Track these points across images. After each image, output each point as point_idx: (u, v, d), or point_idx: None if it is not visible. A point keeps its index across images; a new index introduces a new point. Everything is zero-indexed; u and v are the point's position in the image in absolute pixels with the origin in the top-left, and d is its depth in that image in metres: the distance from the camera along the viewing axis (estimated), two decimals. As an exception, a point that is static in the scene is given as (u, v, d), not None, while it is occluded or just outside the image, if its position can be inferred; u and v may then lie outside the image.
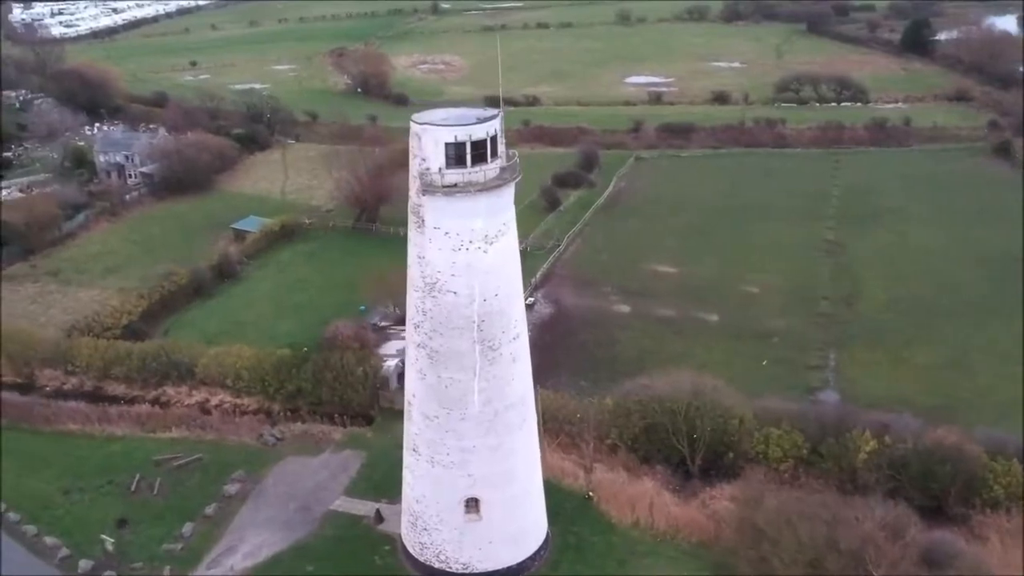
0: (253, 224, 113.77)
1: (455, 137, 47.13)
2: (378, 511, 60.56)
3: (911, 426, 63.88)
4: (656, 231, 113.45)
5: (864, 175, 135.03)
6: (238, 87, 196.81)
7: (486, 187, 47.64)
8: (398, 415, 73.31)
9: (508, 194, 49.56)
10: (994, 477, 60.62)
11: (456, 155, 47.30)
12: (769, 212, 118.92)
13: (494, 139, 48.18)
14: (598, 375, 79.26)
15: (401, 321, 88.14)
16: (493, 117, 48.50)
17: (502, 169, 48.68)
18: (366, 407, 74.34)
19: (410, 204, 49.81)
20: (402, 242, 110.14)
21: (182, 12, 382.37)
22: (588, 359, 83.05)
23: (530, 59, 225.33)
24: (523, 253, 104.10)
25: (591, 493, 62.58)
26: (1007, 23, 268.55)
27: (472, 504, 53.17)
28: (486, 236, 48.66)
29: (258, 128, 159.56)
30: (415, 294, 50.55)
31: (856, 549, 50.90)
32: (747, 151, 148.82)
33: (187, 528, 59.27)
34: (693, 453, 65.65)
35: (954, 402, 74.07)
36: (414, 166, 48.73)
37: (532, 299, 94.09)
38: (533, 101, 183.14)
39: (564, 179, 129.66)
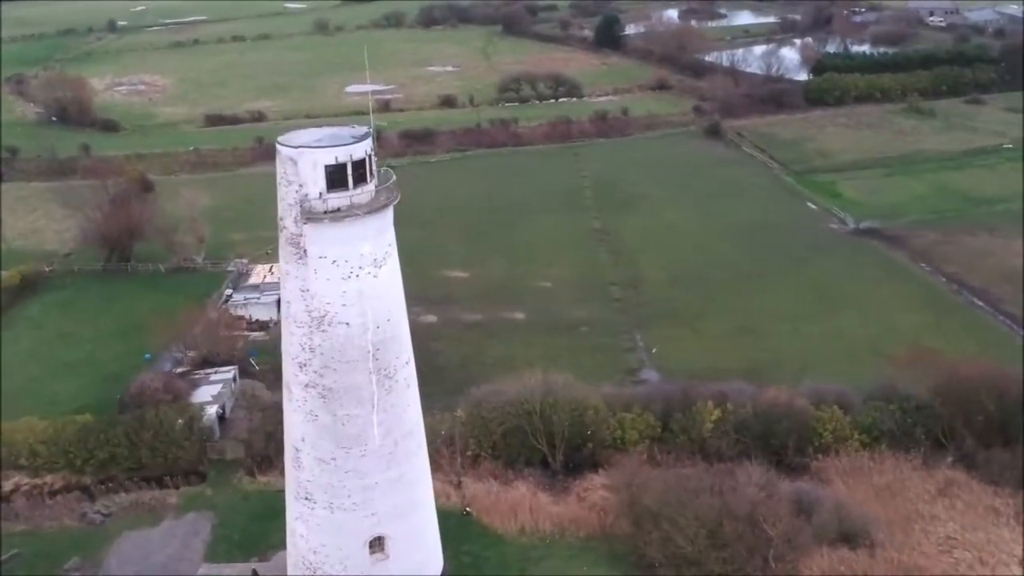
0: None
1: (336, 158, 44.25)
2: (254, 571, 55.60)
3: (746, 391, 68.94)
4: (433, 237, 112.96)
5: (604, 165, 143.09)
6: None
7: (373, 208, 45.18)
8: (231, 466, 68.44)
9: (391, 213, 47.48)
10: (822, 424, 66.90)
11: (337, 178, 44.39)
12: (533, 208, 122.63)
13: (371, 157, 45.81)
14: (429, 389, 76.81)
15: (202, 364, 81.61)
16: (367, 135, 46.00)
17: (384, 188, 46.41)
18: (195, 463, 67.68)
19: (285, 236, 45.94)
20: (163, 279, 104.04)
21: None
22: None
23: (241, 73, 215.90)
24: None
25: (468, 508, 61.52)
26: (672, 15, 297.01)
27: (377, 543, 50.26)
28: (375, 260, 46.24)
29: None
30: (298, 331, 46.70)
31: (748, 513, 54.27)
32: (490, 152, 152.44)
33: (35, 636, 51.04)
34: (553, 450, 66.42)
35: (756, 364, 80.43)
36: (288, 194, 45.03)
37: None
38: (259, 117, 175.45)
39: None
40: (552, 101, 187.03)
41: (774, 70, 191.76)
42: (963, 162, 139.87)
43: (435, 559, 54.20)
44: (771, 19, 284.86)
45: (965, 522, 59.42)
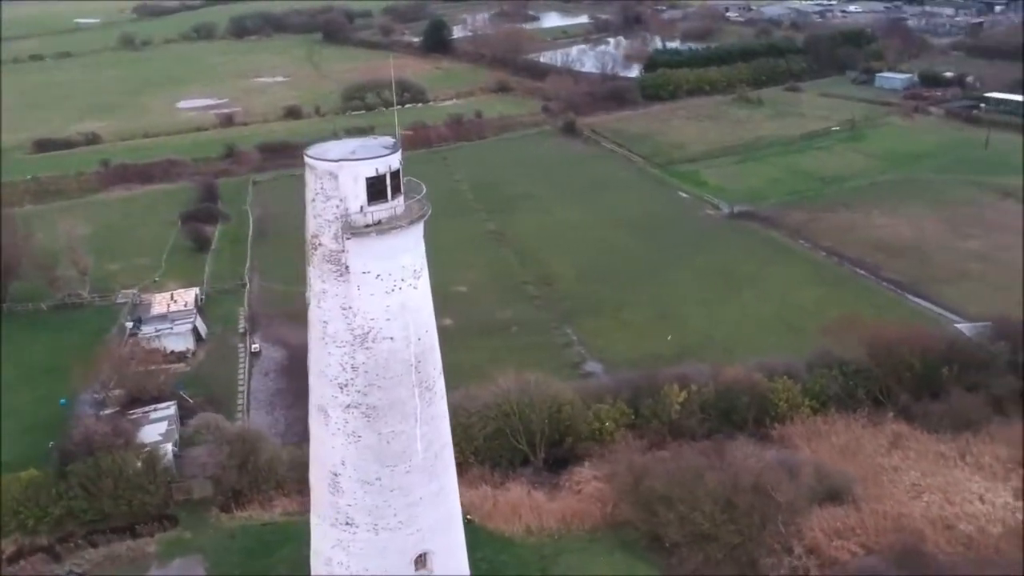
0: None
1: (376, 170, 43.11)
2: (274, 609, 53.09)
3: (705, 371, 72.13)
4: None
5: (475, 168, 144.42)
6: None
7: (414, 218, 44.46)
8: (200, 505, 64.70)
9: (422, 223, 46.76)
10: (776, 395, 71.12)
11: (377, 189, 43.33)
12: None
13: (401, 167, 45.00)
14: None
15: (130, 404, 76.12)
16: (398, 144, 45.14)
17: (416, 198, 45.66)
18: (162, 507, 63.36)
19: (321, 254, 44.22)
20: (48, 317, 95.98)
21: None
22: (359, 390, 79.19)
23: (56, 94, 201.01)
24: (209, 299, 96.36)
25: (469, 516, 61.12)
26: (485, 18, 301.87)
27: (421, 559, 49.34)
28: (414, 271, 45.56)
29: None
30: (338, 351, 45.09)
31: (754, 483, 57.11)
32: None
33: None
34: (534, 448, 67.10)
35: (686, 347, 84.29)
36: (326, 210, 43.38)
37: (256, 346, 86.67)
38: (93, 139, 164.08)
39: (196, 216, 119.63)
40: (399, 107, 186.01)
41: (609, 68, 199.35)
42: (802, 145, 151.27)
43: (466, 568, 53.74)
44: (582, 19, 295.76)
45: (923, 468, 65.03)
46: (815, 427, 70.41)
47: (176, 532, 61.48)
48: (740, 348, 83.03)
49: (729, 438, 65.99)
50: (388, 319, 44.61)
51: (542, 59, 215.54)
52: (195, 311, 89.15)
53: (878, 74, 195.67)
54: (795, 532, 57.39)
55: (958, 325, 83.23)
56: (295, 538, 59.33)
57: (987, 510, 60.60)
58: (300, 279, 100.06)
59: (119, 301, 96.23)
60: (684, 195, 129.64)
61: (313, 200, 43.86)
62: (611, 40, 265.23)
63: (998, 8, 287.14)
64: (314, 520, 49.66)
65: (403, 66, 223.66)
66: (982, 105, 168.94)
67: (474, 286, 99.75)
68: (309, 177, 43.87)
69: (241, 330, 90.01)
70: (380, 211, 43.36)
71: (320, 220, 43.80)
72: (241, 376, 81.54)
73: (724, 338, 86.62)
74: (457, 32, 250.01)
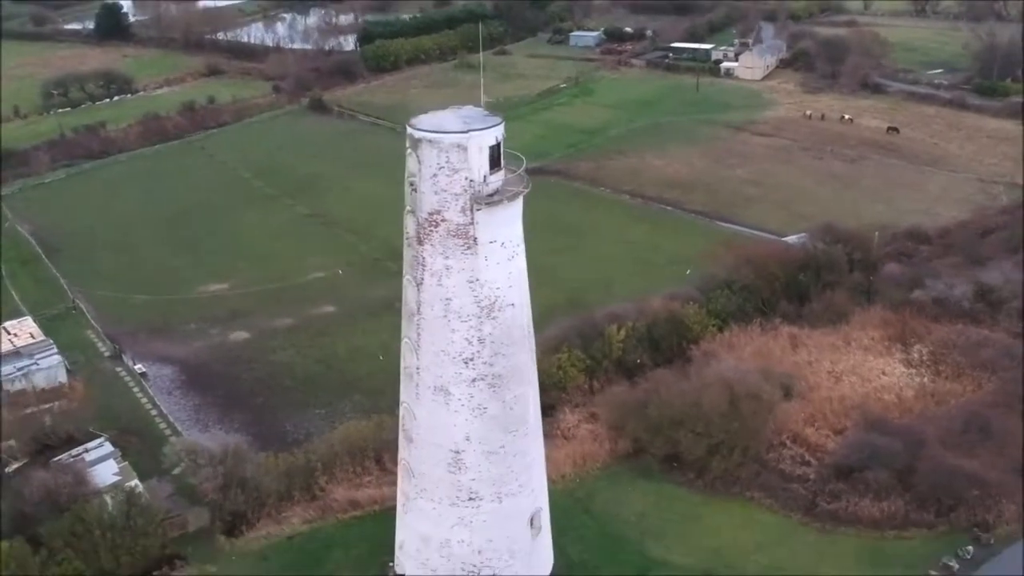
0: None
1: (496, 138, 43.78)
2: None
3: (629, 308, 77.92)
4: (151, 259, 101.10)
5: (240, 153, 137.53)
6: None
7: (527, 183, 45.55)
8: (198, 537, 59.32)
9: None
10: (690, 319, 78.77)
11: (494, 158, 43.88)
12: (221, 209, 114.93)
13: (497, 134, 45.70)
14: (317, 400, 73.80)
15: (40, 452, 66.38)
16: (495, 113, 45.91)
17: (518, 171, 46.53)
18: (161, 548, 57.03)
19: (444, 230, 43.84)
20: None
21: None
22: (283, 392, 75.55)
23: None
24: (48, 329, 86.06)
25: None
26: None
27: (533, 519, 50.45)
28: (521, 236, 46.57)
29: None
30: (463, 326, 44.93)
31: (747, 391, 64.05)
32: (102, 162, 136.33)
33: None
34: (510, 407, 68.99)
35: (575, 295, 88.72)
36: (453, 183, 43.09)
37: (142, 367, 78.32)
38: None
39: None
40: (107, 100, 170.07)
41: (326, 43, 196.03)
42: (545, 103, 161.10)
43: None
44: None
45: (828, 359, 75.87)
46: (725, 342, 78.91)
47: (193, 569, 55.97)
48: (616, 287, 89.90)
49: (681, 360, 72.94)
50: (510, 286, 45.49)
51: (245, 39, 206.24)
52: (51, 342, 78.48)
53: (571, 33, 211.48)
54: (780, 427, 65.49)
55: (785, 239, 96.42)
56: (338, 543, 57.01)
57: (894, 381, 72.75)
58: (134, 287, 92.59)
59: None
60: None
61: (435, 176, 43.26)
62: (286, 16, 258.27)
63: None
64: (424, 506, 49.04)
65: (83, 56, 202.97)
66: (670, 55, 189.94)
67: (330, 271, 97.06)
68: (427, 152, 43.18)
69: (107, 354, 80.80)
70: (499, 180, 44.00)
71: (445, 195, 43.33)
72: (144, 401, 73.76)
73: (597, 280, 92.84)
74: (137, 16, 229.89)
